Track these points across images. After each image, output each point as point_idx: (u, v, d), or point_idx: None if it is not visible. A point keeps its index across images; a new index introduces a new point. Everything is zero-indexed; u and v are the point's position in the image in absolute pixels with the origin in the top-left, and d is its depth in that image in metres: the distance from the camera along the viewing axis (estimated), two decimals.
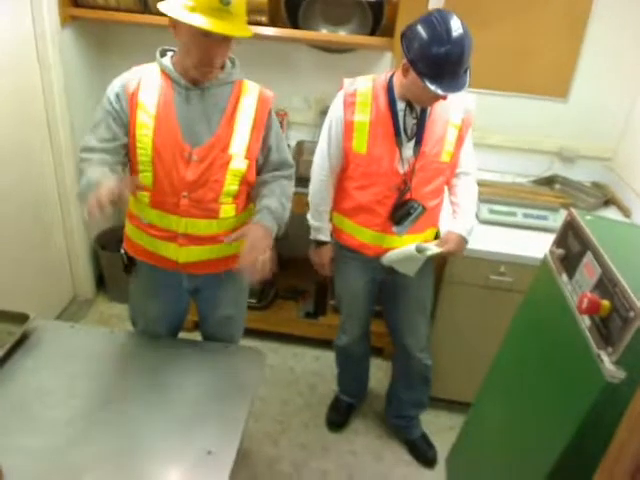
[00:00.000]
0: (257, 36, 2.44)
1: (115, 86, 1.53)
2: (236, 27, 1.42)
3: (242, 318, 1.94)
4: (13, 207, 2.38)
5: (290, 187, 1.72)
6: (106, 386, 1.54)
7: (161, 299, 1.78)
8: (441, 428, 2.44)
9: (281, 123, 2.79)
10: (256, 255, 1.50)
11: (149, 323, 1.83)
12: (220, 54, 1.45)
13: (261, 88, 1.63)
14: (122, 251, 1.77)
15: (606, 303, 1.13)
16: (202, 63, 1.45)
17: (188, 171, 1.53)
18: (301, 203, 2.43)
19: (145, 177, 1.55)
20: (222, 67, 1.54)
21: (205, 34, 1.39)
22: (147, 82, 1.52)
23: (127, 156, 1.57)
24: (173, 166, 1.52)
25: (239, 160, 1.56)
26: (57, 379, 1.54)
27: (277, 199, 1.63)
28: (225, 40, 1.43)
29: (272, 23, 2.45)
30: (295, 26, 2.49)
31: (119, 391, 1.52)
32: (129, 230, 1.73)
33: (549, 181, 2.70)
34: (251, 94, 1.59)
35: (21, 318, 1.66)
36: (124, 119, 1.52)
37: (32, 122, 2.45)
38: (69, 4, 2.47)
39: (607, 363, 1.10)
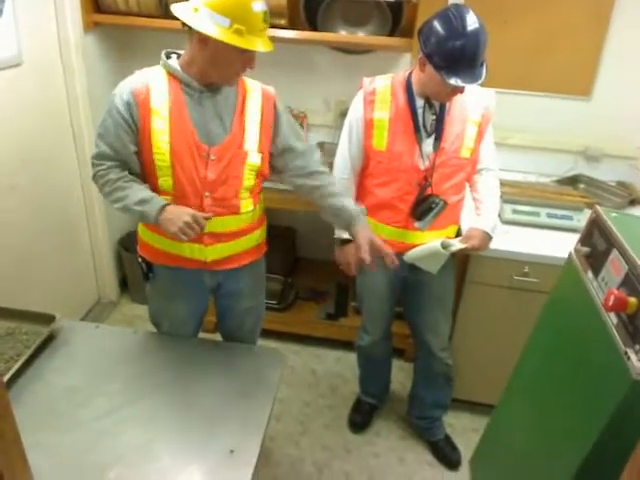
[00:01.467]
0: (276, 39, 2.45)
1: (123, 94, 1.50)
2: (269, 40, 1.47)
3: (262, 311, 1.97)
4: (39, 211, 2.42)
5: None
6: (130, 385, 1.55)
7: (185, 299, 1.80)
8: (464, 430, 2.42)
9: (301, 125, 2.80)
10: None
11: (174, 324, 1.84)
12: (254, 64, 1.50)
13: (262, 86, 1.67)
14: (139, 259, 1.77)
15: (633, 300, 1.11)
16: (237, 74, 1.52)
17: (208, 171, 1.55)
18: None
19: (165, 182, 1.56)
20: None
21: (244, 51, 1.42)
22: (155, 86, 1.51)
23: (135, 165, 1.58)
24: (193, 168, 1.54)
25: (254, 155, 1.61)
26: (83, 378, 1.56)
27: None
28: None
29: (291, 25, 2.46)
30: (314, 28, 2.50)
31: (143, 390, 1.53)
32: (146, 236, 1.73)
33: (573, 181, 2.67)
34: (255, 92, 1.64)
35: (48, 319, 1.69)
36: (134, 128, 1.51)
37: (56, 126, 2.50)
38: (92, 10, 2.51)
39: (634, 361, 1.08)
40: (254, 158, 1.61)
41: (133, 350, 1.70)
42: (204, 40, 1.42)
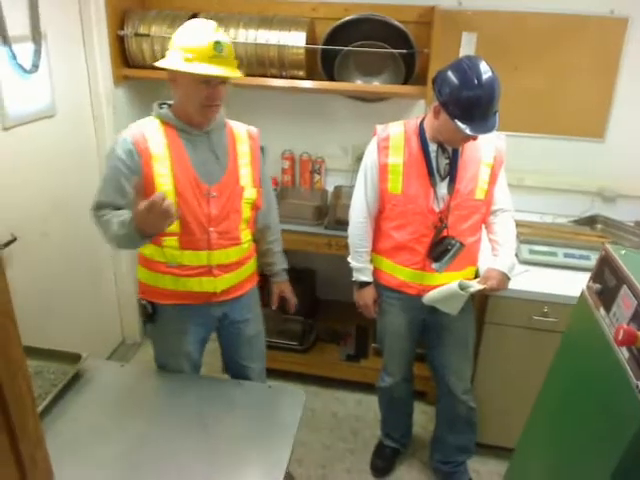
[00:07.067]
0: (296, 89, 2.58)
1: (125, 143, 1.60)
2: (229, 70, 1.58)
3: (264, 337, 2.03)
4: (68, 256, 2.52)
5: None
6: (153, 425, 1.58)
7: (192, 333, 1.83)
8: (490, 475, 2.36)
9: (319, 170, 2.89)
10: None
11: (181, 361, 1.86)
12: (219, 96, 1.61)
13: (247, 127, 1.82)
14: (143, 302, 1.78)
15: None
16: (203, 105, 1.60)
17: (211, 207, 1.66)
18: (340, 246, 2.49)
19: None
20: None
21: (205, 80, 1.55)
22: (151, 135, 1.63)
23: None
24: (197, 206, 1.64)
25: (249, 189, 1.76)
26: (107, 416, 1.60)
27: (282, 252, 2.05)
28: (222, 83, 1.60)
29: (309, 76, 2.57)
30: (331, 78, 2.61)
31: (165, 430, 1.56)
32: (147, 278, 1.77)
33: (591, 221, 2.68)
34: (243, 135, 1.79)
35: (74, 358, 1.75)
36: (136, 174, 1.59)
37: (86, 175, 2.61)
38: (122, 65, 2.67)
39: None
40: (250, 192, 1.76)
41: (156, 389, 1.75)
42: (173, 79, 1.59)
